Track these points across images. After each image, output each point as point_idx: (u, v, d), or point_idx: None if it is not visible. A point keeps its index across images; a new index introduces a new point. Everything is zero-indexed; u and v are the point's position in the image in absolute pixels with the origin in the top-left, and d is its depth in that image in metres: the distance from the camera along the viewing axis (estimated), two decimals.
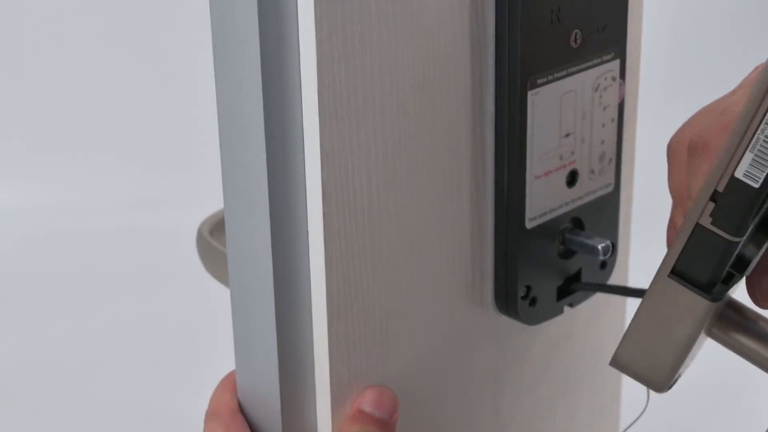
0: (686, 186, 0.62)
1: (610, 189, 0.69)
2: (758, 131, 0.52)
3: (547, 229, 0.66)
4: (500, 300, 0.66)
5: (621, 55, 0.66)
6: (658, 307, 0.59)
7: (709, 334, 0.62)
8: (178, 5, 1.59)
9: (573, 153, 0.66)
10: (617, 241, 0.71)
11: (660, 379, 0.61)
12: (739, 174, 0.53)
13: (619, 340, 0.61)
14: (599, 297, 0.72)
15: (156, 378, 1.11)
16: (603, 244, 0.66)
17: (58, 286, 1.30)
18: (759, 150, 0.52)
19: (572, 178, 0.66)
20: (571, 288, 0.68)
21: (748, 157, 0.53)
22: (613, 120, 0.68)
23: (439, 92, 0.60)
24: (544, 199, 0.65)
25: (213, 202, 0.75)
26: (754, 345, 0.60)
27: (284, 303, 0.57)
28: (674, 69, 1.37)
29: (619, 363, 0.62)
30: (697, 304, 0.58)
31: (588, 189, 0.67)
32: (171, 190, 1.45)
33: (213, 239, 0.69)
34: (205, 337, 1.13)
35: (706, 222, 0.55)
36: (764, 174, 0.53)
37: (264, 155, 0.54)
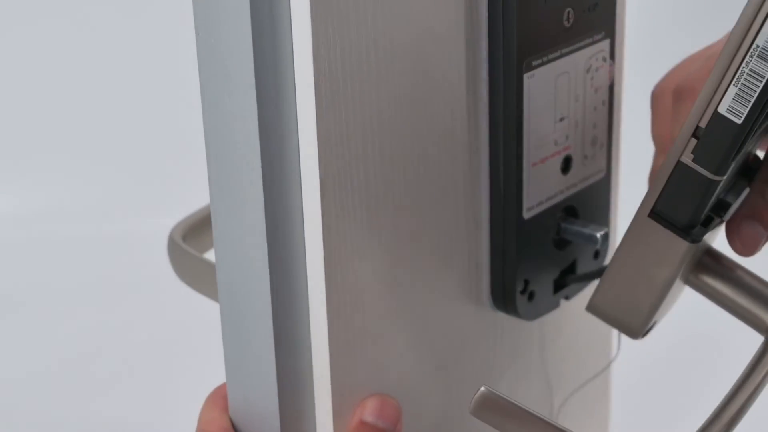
0: (670, 132, 0.60)
1: (602, 175, 0.66)
2: (743, 64, 0.50)
3: (543, 219, 0.62)
4: (497, 296, 0.63)
5: (611, 34, 0.64)
6: (637, 249, 0.57)
7: (686, 281, 0.60)
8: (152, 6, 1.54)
9: (567, 138, 0.63)
10: (609, 229, 0.68)
11: (636, 324, 0.59)
12: (722, 109, 0.51)
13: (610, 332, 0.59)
14: (589, 287, 0.69)
15: (135, 392, 1.05)
16: (601, 233, 0.63)
17: (27, 294, 1.23)
18: (743, 84, 0.50)
19: (566, 165, 0.63)
20: (568, 279, 0.65)
21: (732, 91, 0.51)
22: (604, 103, 0.65)
23: (433, 78, 0.56)
24: (541, 187, 0.62)
25: (183, 208, 0.70)
26: (730, 293, 0.59)
27: (280, 309, 0.53)
28: (659, 50, 1.35)
29: (595, 308, 0.60)
30: (676, 246, 0.56)
31: (582, 175, 0.64)
32: (139, 197, 1.38)
33: (186, 245, 0.65)
34: (183, 348, 1.07)
35: (688, 159, 0.53)
36: (747, 109, 0.50)
37: (258, 149, 0.50)
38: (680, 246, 0.56)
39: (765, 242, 0.58)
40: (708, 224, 0.56)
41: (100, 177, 1.44)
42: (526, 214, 0.61)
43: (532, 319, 0.64)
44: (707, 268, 0.60)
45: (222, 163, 0.52)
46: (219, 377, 0.59)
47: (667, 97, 0.59)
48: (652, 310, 0.58)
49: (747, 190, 0.58)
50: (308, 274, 0.53)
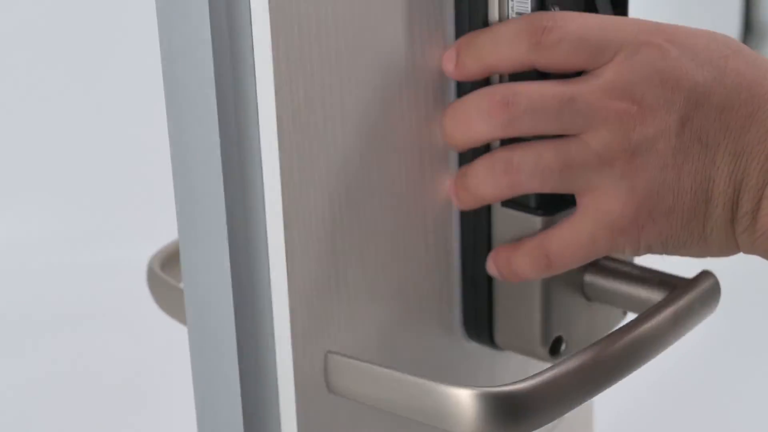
0: None
1: None
2: None
3: None
4: (469, 325, 0.63)
5: None
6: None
7: (584, 295, 0.61)
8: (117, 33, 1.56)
9: None
10: None
11: (536, 343, 0.60)
12: None
13: None
14: None
15: (113, 422, 1.05)
16: None
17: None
18: None
19: None
20: None
21: None
22: None
23: (399, 103, 0.56)
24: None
25: (162, 236, 0.70)
26: (624, 287, 0.59)
27: (246, 355, 0.54)
28: None
29: (503, 341, 0.61)
30: (533, 226, 0.57)
31: None
32: (118, 224, 1.39)
33: (165, 274, 0.65)
34: (163, 375, 1.07)
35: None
36: None
37: (221, 180, 0.50)
38: (536, 224, 0.57)
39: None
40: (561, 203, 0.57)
41: (79, 207, 1.44)
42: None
43: (506, 350, 0.64)
44: (593, 270, 0.60)
45: (187, 193, 0.52)
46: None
47: None
48: (545, 318, 0.59)
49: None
50: (274, 312, 0.53)
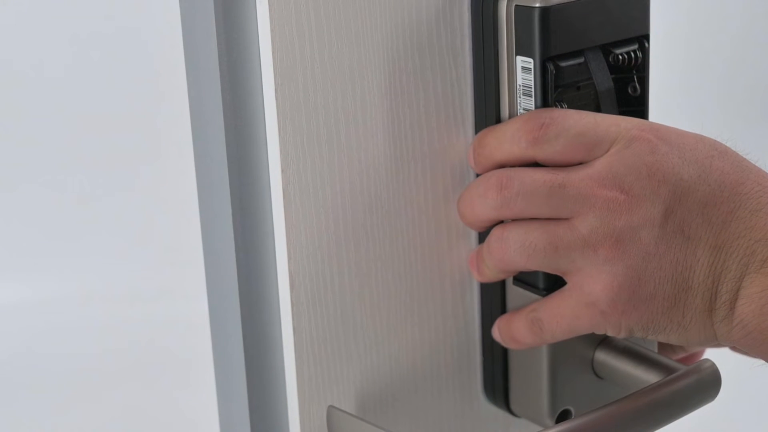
0: None
1: None
2: None
3: None
4: (488, 390, 0.67)
5: None
6: None
7: (594, 370, 0.64)
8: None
9: None
10: None
11: (544, 414, 0.63)
12: None
13: None
14: None
15: None
16: None
17: (68, 379, 1.28)
18: None
19: None
20: None
21: None
22: None
23: (420, 180, 0.61)
24: None
25: None
26: (628, 369, 0.62)
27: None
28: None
29: (516, 409, 0.65)
30: None
31: None
32: (180, 280, 1.44)
33: None
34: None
35: None
36: None
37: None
38: None
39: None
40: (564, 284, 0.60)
41: (145, 264, 1.48)
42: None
43: (523, 417, 0.67)
44: (602, 347, 0.64)
45: (213, 266, 0.60)
46: None
47: None
48: (552, 391, 0.63)
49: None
50: (285, 360, 0.59)
